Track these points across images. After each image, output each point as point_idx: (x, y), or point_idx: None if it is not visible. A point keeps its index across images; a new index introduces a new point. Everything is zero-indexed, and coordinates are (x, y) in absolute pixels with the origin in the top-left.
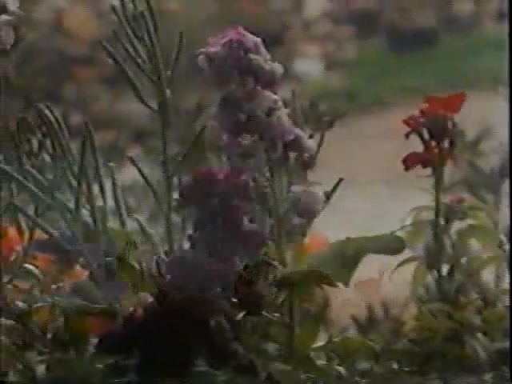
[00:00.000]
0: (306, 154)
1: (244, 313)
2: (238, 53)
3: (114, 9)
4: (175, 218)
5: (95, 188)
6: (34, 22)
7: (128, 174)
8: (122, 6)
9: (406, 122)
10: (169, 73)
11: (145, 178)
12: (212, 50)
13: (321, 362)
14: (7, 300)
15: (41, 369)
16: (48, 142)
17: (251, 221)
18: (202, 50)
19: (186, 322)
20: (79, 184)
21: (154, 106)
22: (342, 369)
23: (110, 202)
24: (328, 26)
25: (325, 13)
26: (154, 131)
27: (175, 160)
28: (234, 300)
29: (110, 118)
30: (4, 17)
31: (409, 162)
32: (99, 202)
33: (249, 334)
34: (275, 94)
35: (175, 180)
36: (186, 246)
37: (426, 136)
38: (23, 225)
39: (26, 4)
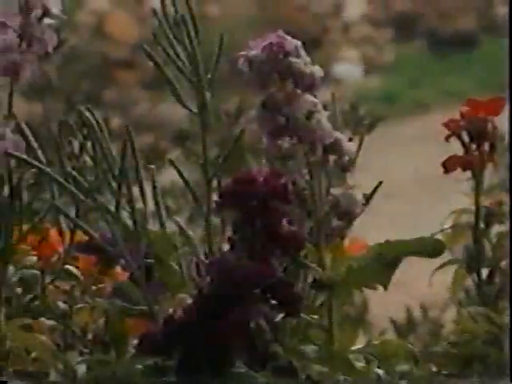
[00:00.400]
0: (346, 157)
1: (283, 315)
2: (277, 56)
3: (154, 12)
4: (214, 220)
5: (135, 190)
6: (76, 26)
7: (167, 176)
8: (163, 10)
9: (446, 125)
10: (209, 76)
11: (184, 181)
12: (252, 53)
13: (360, 365)
14: (49, 301)
15: (81, 369)
16: (89, 145)
17: (290, 223)
18: (243, 52)
19: (225, 324)
20: (120, 186)
21: (194, 108)
22: (380, 371)
23: (150, 204)
24: (367, 29)
25: (364, 16)
26: (193, 134)
27: (215, 162)
28: (273, 302)
29: (150, 121)
30: (47, 20)
31: (449, 165)
32: (139, 204)
33: (288, 336)
34: (315, 96)
35: (214, 182)
36: (226, 248)
37: (466, 139)
38: (64, 226)
39: (68, 7)
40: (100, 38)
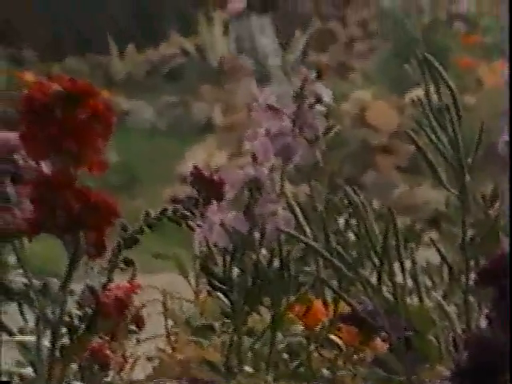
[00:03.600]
0: None
1: None
2: None
3: (419, 100)
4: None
5: (395, 266)
6: (341, 114)
7: (423, 255)
8: (427, 98)
9: None
10: (469, 160)
11: (443, 258)
12: None
13: None
14: (314, 367)
15: None
16: (353, 222)
17: None
18: (504, 137)
19: None
20: (381, 262)
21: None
22: None
23: (409, 280)
24: None
25: None
26: (449, 216)
27: (473, 243)
28: None
29: (407, 203)
30: (319, 107)
31: None
32: (398, 279)
33: None
34: None
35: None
36: (483, 324)
37: None
38: (328, 298)
39: (335, 97)
40: (361, 126)
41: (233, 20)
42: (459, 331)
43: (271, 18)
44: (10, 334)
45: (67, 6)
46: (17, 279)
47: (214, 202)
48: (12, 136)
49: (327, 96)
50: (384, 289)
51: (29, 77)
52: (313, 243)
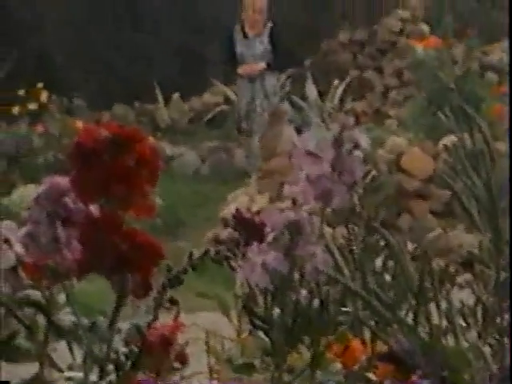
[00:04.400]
0: None
1: None
2: None
3: (454, 147)
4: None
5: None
6: (377, 160)
7: (457, 297)
8: (462, 145)
9: None
10: (503, 203)
11: (478, 299)
12: None
13: None
14: None
15: None
16: (390, 264)
17: None
18: None
19: None
20: (418, 303)
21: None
22: None
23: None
24: None
25: None
26: (482, 258)
27: (506, 284)
28: None
29: (441, 246)
30: (357, 152)
31: None
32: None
33: None
34: None
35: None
36: None
37: None
38: (366, 337)
39: (371, 143)
40: (397, 172)
41: (245, 81)
42: (494, 371)
43: (308, 68)
44: (60, 370)
45: (116, 56)
46: (66, 318)
47: (255, 243)
48: (63, 180)
49: (364, 142)
50: (420, 329)
51: (79, 124)
52: (351, 284)
